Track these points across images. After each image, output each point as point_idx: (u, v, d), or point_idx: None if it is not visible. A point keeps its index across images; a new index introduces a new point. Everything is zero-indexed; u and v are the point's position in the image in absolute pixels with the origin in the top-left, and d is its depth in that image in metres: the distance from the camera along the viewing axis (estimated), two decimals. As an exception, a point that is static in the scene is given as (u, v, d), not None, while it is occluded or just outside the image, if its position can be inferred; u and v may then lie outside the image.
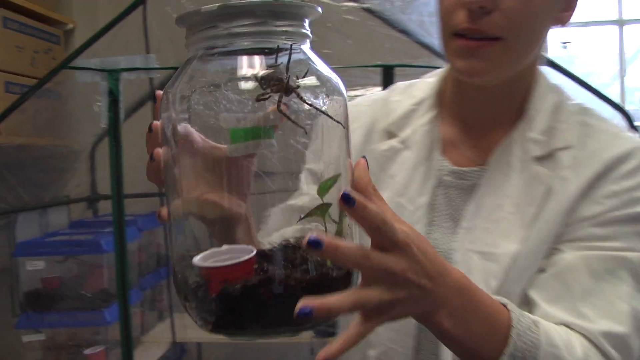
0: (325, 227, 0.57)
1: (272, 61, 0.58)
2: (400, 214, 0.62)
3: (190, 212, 0.58)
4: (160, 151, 0.58)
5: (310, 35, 0.63)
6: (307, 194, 0.65)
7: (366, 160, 0.58)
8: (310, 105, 0.58)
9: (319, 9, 0.62)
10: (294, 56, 0.61)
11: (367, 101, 0.91)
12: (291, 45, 0.57)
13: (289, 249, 0.57)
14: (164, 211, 0.58)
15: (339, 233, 0.57)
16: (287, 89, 0.57)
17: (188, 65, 0.57)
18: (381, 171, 0.81)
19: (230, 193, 0.59)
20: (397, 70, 1.50)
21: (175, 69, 1.25)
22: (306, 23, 0.62)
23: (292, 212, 0.60)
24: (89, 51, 1.47)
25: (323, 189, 0.60)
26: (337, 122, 0.58)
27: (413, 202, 0.79)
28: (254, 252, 0.53)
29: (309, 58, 0.61)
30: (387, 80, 1.51)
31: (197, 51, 0.57)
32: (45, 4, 1.55)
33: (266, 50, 0.58)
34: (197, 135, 0.57)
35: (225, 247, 0.55)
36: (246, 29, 0.56)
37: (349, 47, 1.57)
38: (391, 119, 0.85)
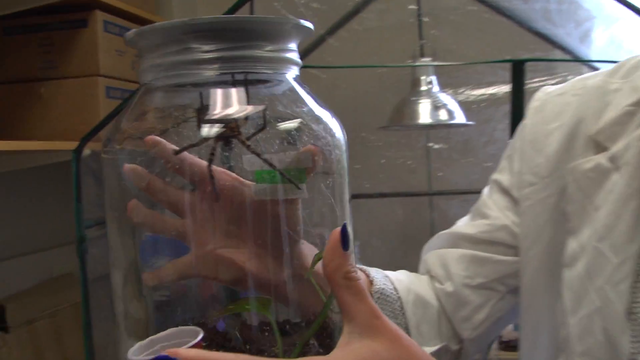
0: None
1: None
2: (599, 267, 0.52)
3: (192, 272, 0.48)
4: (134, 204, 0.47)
5: (300, 61, 0.49)
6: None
7: (344, 231, 0.42)
8: (254, 152, 0.45)
9: (310, 27, 0.47)
10: (277, 88, 0.48)
11: (577, 87, 0.65)
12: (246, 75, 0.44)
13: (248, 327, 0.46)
14: (146, 276, 0.48)
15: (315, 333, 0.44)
16: (230, 136, 0.44)
17: (144, 96, 0.46)
18: (585, 198, 0.59)
19: (258, 248, 0.47)
20: (527, 65, 1.29)
21: None
22: (294, 45, 0.48)
23: None
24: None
25: (312, 264, 0.46)
26: (294, 183, 0.45)
27: (618, 252, 0.55)
28: (200, 337, 0.42)
29: (292, 90, 0.48)
30: (517, 76, 1.31)
31: (152, 80, 0.45)
32: (145, 7, 1.51)
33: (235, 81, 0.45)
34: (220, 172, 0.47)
35: (169, 331, 0.44)
36: (214, 54, 0.43)
37: (474, 41, 1.39)
38: (602, 123, 0.60)
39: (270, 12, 1.46)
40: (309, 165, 0.46)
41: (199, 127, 0.44)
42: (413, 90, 1.44)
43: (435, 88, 1.43)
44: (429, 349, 0.64)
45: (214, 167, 0.46)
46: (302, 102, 0.48)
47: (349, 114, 1.68)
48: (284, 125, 0.46)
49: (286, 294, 0.48)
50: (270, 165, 0.45)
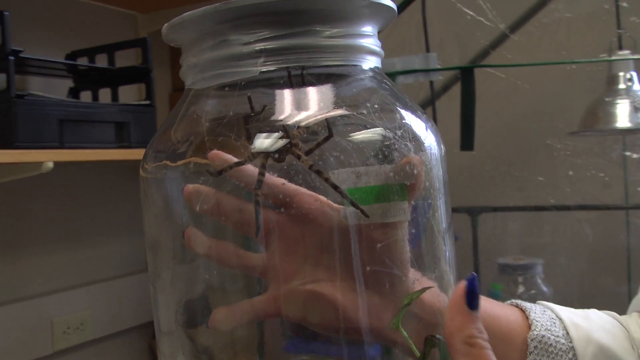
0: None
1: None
2: None
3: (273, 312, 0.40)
4: (192, 231, 0.40)
5: (381, 51, 0.39)
6: None
7: (471, 285, 0.35)
8: (313, 169, 0.35)
9: (392, 5, 0.37)
10: (359, 84, 0.38)
11: None
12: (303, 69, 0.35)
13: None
14: (220, 316, 0.40)
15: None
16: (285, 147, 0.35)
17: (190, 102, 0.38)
18: None
19: (354, 284, 0.38)
20: None
21: (461, 69, 1.00)
22: (371, 30, 0.38)
23: None
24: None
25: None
26: (360, 209, 0.35)
27: None
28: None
29: (376, 87, 0.38)
30: None
31: (192, 83, 0.38)
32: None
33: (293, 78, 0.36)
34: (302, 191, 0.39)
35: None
36: (257, 45, 0.35)
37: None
38: None
39: (446, 7, 1.34)
40: (411, 180, 0.36)
41: (247, 139, 0.36)
42: (609, 89, 1.25)
43: (636, 86, 1.23)
44: None
45: (296, 187, 0.38)
46: (386, 104, 0.37)
47: (532, 119, 1.51)
48: (359, 136, 0.36)
49: (387, 340, 0.38)
50: (334, 187, 0.35)
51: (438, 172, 0.38)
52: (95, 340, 1.46)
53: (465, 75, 1.20)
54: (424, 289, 0.38)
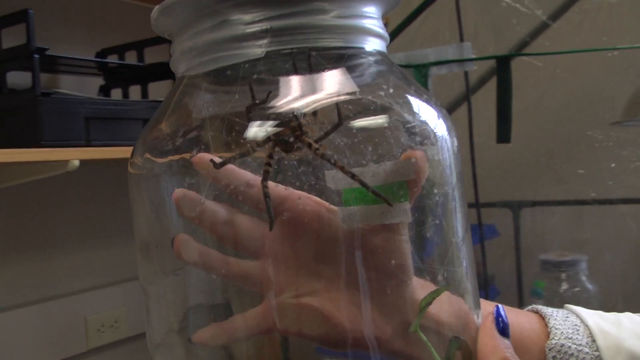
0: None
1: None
2: None
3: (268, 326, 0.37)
4: (183, 238, 0.37)
5: (386, 34, 0.36)
6: None
7: (500, 313, 0.37)
8: (325, 159, 0.32)
9: None
10: (368, 68, 0.35)
11: None
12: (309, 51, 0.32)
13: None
14: (208, 333, 0.38)
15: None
16: (281, 141, 0.32)
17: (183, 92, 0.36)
18: None
19: (354, 294, 0.36)
20: None
21: (497, 58, 0.97)
22: (375, 12, 0.35)
23: None
24: (394, 45, 1.30)
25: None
26: (384, 199, 0.31)
27: None
28: None
29: (379, 74, 0.35)
30: None
31: (186, 70, 0.35)
32: None
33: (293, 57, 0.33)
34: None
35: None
36: (259, 25, 0.32)
37: None
38: None
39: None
40: (411, 177, 0.33)
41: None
42: (654, 76, 1.18)
43: (684, 73, 1.16)
44: None
45: (288, 189, 0.35)
46: (394, 89, 0.34)
47: (572, 109, 1.45)
48: (363, 122, 0.33)
49: (393, 351, 0.35)
50: (353, 176, 0.33)
51: (451, 165, 0.35)
52: (130, 338, 1.45)
53: (501, 65, 1.16)
54: (443, 288, 0.35)
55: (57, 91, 1.11)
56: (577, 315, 0.48)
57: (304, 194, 0.35)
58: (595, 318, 0.48)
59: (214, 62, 0.33)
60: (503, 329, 0.37)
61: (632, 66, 1.26)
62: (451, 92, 1.37)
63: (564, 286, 1.49)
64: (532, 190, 1.51)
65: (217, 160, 0.33)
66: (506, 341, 0.36)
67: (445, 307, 0.35)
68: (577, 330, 0.47)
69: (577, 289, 1.48)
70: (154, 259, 0.38)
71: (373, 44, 0.35)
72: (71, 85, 1.33)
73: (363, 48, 0.34)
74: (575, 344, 0.46)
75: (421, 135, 0.34)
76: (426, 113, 0.35)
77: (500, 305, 0.38)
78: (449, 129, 0.36)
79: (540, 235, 1.54)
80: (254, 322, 0.37)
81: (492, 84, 1.14)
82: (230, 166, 0.34)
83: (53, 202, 1.33)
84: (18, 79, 1.06)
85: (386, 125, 0.33)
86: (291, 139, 0.33)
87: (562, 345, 0.46)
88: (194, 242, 0.37)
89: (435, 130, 0.35)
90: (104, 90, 1.36)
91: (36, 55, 1.03)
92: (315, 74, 0.34)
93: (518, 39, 1.30)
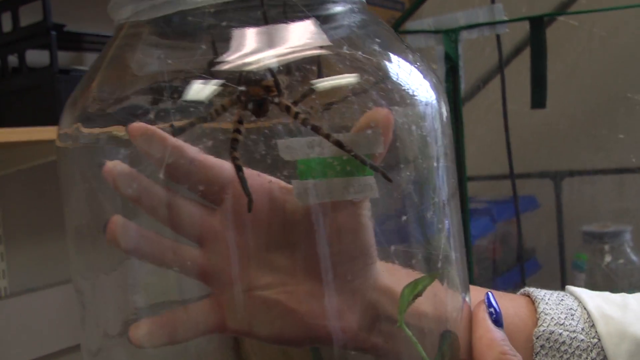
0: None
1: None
2: None
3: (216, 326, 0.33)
4: (119, 221, 0.33)
5: None
6: None
7: (490, 302, 0.35)
8: (307, 124, 0.28)
9: None
10: (342, 20, 0.32)
11: None
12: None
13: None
14: (143, 330, 0.33)
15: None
16: (251, 100, 0.28)
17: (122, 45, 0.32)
18: None
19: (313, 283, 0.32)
20: None
21: (529, 19, 0.93)
22: None
23: None
24: (423, 10, 1.25)
25: (402, 304, 0.30)
26: (383, 174, 0.28)
27: None
28: None
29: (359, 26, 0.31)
30: None
31: (129, 17, 0.32)
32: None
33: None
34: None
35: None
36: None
37: None
38: None
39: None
40: (379, 150, 0.29)
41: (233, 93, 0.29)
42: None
43: None
44: None
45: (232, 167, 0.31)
46: (370, 45, 0.31)
47: (611, 71, 1.38)
48: (330, 83, 0.29)
49: (360, 345, 0.32)
50: (338, 145, 0.29)
51: (435, 133, 0.31)
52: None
53: (535, 26, 1.10)
54: (433, 274, 0.32)
55: (76, 68, 1.10)
56: (577, 298, 0.43)
57: (253, 172, 0.31)
58: (597, 300, 0.43)
59: (164, 8, 0.29)
60: (496, 318, 0.35)
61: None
62: (484, 60, 1.32)
63: (607, 258, 1.44)
64: (570, 158, 1.45)
65: (175, 125, 0.29)
66: (501, 332, 0.35)
67: (428, 296, 0.31)
68: (572, 315, 0.42)
69: (620, 261, 1.43)
70: (89, 249, 0.34)
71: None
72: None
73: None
74: (567, 330, 0.41)
75: (397, 99, 0.30)
76: (408, 75, 0.31)
77: (490, 292, 0.36)
78: (436, 94, 0.32)
79: (580, 206, 1.48)
80: (199, 318, 0.33)
81: (528, 52, 1.09)
82: (167, 136, 0.30)
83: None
84: (41, 57, 1.05)
85: (356, 85, 0.29)
86: (266, 100, 0.29)
87: (552, 332, 0.40)
88: (134, 226, 0.33)
89: (414, 94, 0.31)
90: (128, 68, 1.35)
91: (53, 32, 1.01)
92: (281, 24, 0.30)
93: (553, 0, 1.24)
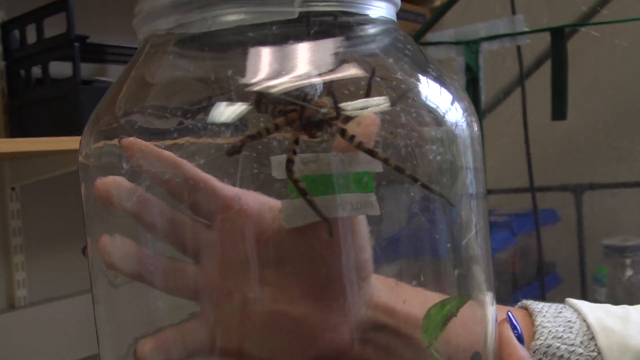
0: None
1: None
2: None
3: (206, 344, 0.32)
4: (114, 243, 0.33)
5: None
6: None
7: (512, 320, 0.34)
8: (362, 148, 0.27)
9: None
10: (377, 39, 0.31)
11: None
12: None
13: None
14: (148, 347, 0.32)
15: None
16: (309, 122, 0.28)
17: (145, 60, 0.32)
18: None
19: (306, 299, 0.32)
20: None
21: (550, 30, 0.93)
22: None
23: None
24: (444, 22, 1.25)
25: (432, 323, 0.30)
26: (441, 195, 0.27)
27: None
28: None
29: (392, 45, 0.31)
30: None
31: (152, 31, 0.31)
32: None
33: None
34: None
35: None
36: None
37: None
38: None
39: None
40: (376, 167, 0.29)
41: (256, 106, 0.28)
42: None
43: None
44: None
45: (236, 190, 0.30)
46: (401, 66, 0.30)
47: (632, 81, 1.37)
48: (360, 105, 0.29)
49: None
50: (398, 170, 0.28)
51: (465, 154, 0.30)
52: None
53: (556, 37, 1.09)
54: (464, 296, 0.31)
55: (98, 79, 1.11)
56: (576, 310, 0.42)
57: (245, 192, 0.31)
58: (598, 313, 0.42)
59: (186, 26, 0.29)
60: (519, 337, 0.35)
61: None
62: (505, 72, 1.31)
63: (629, 272, 1.43)
64: (591, 171, 1.43)
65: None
66: (527, 351, 0.34)
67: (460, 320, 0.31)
68: (570, 328, 0.41)
69: (642, 275, 1.42)
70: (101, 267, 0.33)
71: (379, 10, 0.31)
72: (117, 76, 1.32)
73: (367, 15, 0.30)
74: (565, 344, 0.40)
75: (427, 120, 0.30)
76: (439, 97, 0.31)
77: (510, 311, 0.35)
78: (467, 116, 0.31)
79: (601, 219, 1.47)
80: (189, 338, 0.32)
81: (549, 63, 1.08)
82: (166, 152, 0.29)
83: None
84: (64, 69, 1.06)
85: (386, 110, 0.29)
86: (324, 122, 0.28)
87: (549, 346, 0.39)
88: (128, 242, 0.32)
89: (444, 115, 0.30)
90: (149, 80, 1.35)
91: (76, 44, 1.02)
92: (325, 43, 0.29)
93: (574, 11, 1.24)
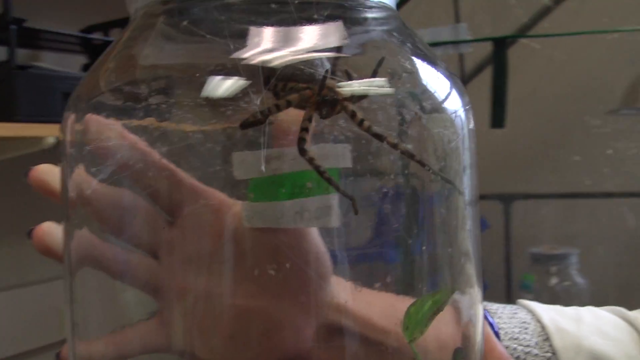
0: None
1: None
2: None
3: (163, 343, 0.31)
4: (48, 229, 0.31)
5: None
6: None
7: (487, 316, 0.35)
8: (371, 132, 0.26)
9: None
10: (373, 24, 0.31)
11: None
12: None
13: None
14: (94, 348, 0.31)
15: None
16: (323, 100, 0.26)
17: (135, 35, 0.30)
18: None
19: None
20: None
21: (493, 40, 0.91)
22: None
23: None
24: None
25: (412, 321, 0.29)
26: (447, 181, 0.28)
27: None
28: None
29: (396, 32, 0.30)
30: None
31: (145, 3, 0.30)
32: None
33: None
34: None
35: None
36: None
37: None
38: None
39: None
40: (346, 162, 0.27)
41: (265, 85, 0.26)
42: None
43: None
44: None
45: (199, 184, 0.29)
46: (401, 51, 0.30)
47: (569, 94, 1.41)
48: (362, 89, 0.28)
49: None
50: (409, 156, 0.27)
51: (463, 145, 0.30)
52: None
53: (498, 47, 1.12)
54: (444, 292, 0.31)
55: (35, 65, 1.06)
56: (530, 311, 0.42)
57: (207, 189, 0.30)
58: (551, 314, 0.42)
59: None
60: (496, 333, 0.35)
61: (633, 51, 1.23)
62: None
63: (554, 280, 1.47)
64: (524, 180, 1.47)
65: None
66: (504, 347, 0.34)
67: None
68: (526, 329, 0.41)
69: (567, 282, 1.46)
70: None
71: None
72: (54, 63, 1.27)
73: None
74: (522, 345, 0.40)
75: (429, 106, 0.29)
76: (438, 83, 0.30)
77: (493, 321, 0.35)
78: (464, 105, 0.31)
79: (531, 228, 1.51)
80: (146, 339, 0.31)
81: (488, 71, 1.10)
82: (127, 135, 0.28)
83: (24, 183, 1.27)
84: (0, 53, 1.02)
85: (388, 93, 0.28)
86: (338, 102, 0.26)
87: (506, 347, 0.40)
88: (88, 235, 0.30)
89: (445, 104, 0.30)
90: (87, 69, 1.31)
91: (13, 26, 0.98)
92: (311, 25, 0.28)
93: (516, 22, 1.27)
